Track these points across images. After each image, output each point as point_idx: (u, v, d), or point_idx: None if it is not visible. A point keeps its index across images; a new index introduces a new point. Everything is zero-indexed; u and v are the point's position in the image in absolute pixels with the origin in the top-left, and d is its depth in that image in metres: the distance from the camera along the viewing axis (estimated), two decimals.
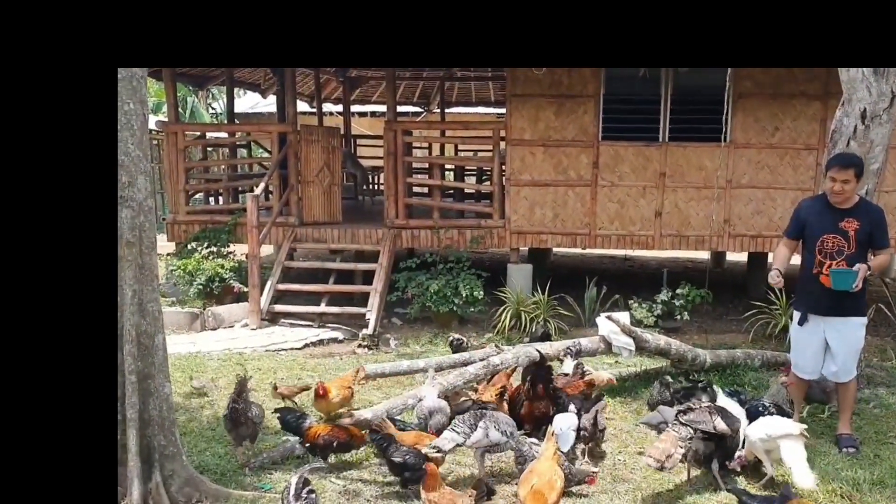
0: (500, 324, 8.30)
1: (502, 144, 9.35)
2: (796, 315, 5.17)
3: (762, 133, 8.81)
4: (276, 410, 4.93)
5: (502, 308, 8.47)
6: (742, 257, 11.10)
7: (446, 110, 17.10)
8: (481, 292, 8.54)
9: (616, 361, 7.02)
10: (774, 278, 4.98)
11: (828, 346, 5.02)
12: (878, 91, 5.78)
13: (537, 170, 9.15)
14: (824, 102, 8.43)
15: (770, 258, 10.00)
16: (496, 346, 6.37)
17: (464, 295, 8.44)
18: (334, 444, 4.53)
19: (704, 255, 12.77)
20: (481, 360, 5.95)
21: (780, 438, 4.20)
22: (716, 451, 4.34)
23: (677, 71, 8.53)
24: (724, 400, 4.76)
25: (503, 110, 17.17)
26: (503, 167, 9.37)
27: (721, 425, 4.31)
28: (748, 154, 8.80)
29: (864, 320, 5.11)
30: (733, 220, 8.99)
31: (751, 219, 9.00)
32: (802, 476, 4.05)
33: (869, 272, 4.82)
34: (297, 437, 4.75)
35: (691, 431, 4.22)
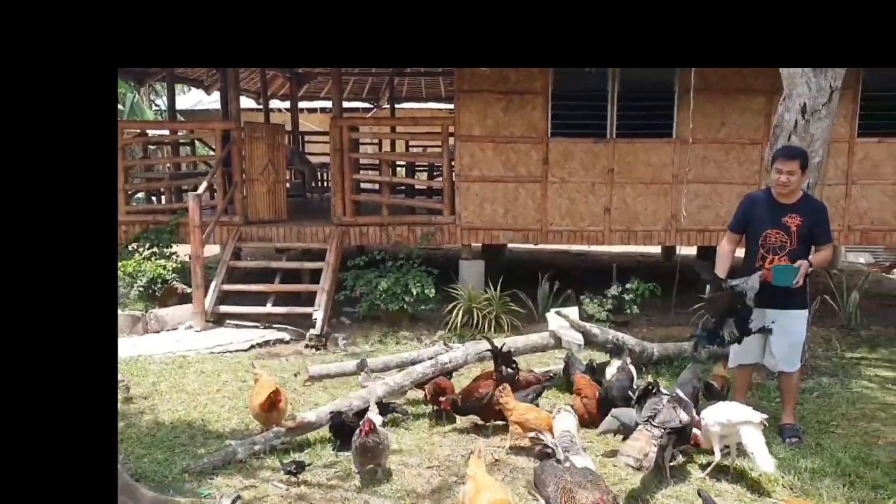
0: (452, 321, 8.29)
1: (451, 140, 9.34)
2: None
3: (709, 128, 8.97)
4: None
5: (454, 305, 8.45)
6: (692, 251, 11.32)
7: (396, 106, 17.03)
8: (432, 290, 8.51)
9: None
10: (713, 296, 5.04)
11: (769, 338, 5.12)
12: (818, 86, 5.94)
13: (487, 166, 9.16)
14: (769, 97, 8.61)
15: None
16: (445, 343, 6.36)
17: (414, 293, 8.39)
18: None
19: (656, 249, 13.00)
20: (430, 358, 5.95)
21: (739, 425, 4.29)
22: (680, 442, 4.48)
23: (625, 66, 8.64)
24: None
25: (453, 106, 17.26)
26: (453, 163, 9.36)
27: (685, 417, 4.41)
28: (695, 149, 8.95)
29: (805, 313, 5.24)
30: (684, 214, 9.13)
31: (698, 213, 9.16)
32: (764, 461, 4.14)
33: (810, 268, 4.92)
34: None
35: (663, 430, 4.29)
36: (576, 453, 4.15)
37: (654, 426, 4.29)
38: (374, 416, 4.69)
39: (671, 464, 4.47)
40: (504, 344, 5.85)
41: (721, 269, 5.12)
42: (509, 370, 5.48)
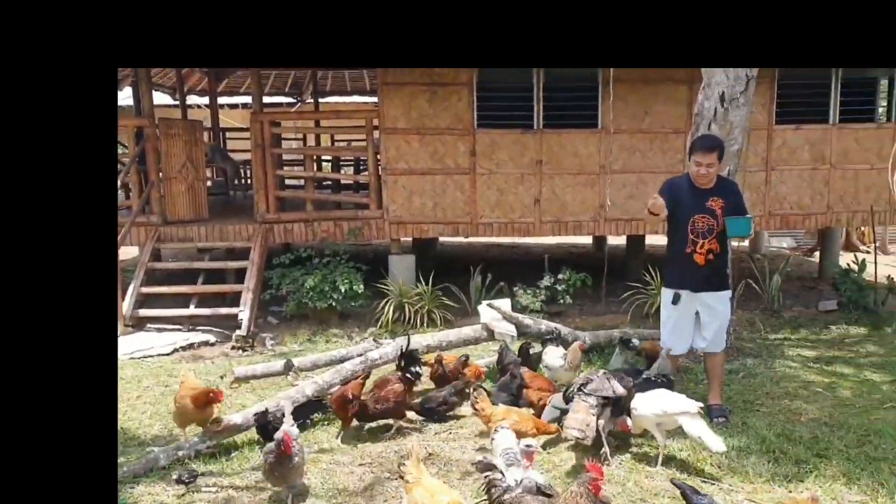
0: (384, 317, 8.27)
1: (376, 133, 9.30)
2: (668, 295, 5.40)
3: (633, 118, 9.20)
4: None
5: (385, 301, 8.43)
6: (621, 241, 11.60)
7: (320, 100, 16.84)
8: (361, 286, 8.47)
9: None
10: (655, 205, 5.10)
11: (698, 321, 5.31)
12: (735, 75, 6.17)
13: (414, 158, 9.16)
14: (691, 87, 8.86)
15: (648, 240, 10.52)
16: (374, 339, 6.34)
17: (343, 289, 8.33)
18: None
19: (587, 240, 13.28)
20: (359, 355, 5.92)
21: (677, 415, 4.41)
22: (616, 413, 4.61)
23: None
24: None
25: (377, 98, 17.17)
26: (379, 157, 9.32)
27: (619, 388, 4.55)
28: (620, 139, 9.16)
29: (729, 294, 5.49)
30: (609, 204, 9.31)
31: (625, 203, 9.37)
32: (713, 443, 4.27)
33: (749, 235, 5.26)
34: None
35: (597, 399, 4.42)
36: (519, 467, 4.05)
37: (587, 395, 4.41)
38: (289, 428, 4.26)
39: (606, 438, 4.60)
40: (408, 342, 5.64)
41: (657, 203, 5.14)
42: (416, 370, 5.32)
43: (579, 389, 4.54)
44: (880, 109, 10.25)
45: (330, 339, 8.05)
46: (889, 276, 9.41)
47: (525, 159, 9.25)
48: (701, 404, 4.51)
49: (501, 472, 3.51)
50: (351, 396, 5.05)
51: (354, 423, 5.13)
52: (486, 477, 3.53)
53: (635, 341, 6.19)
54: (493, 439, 4.07)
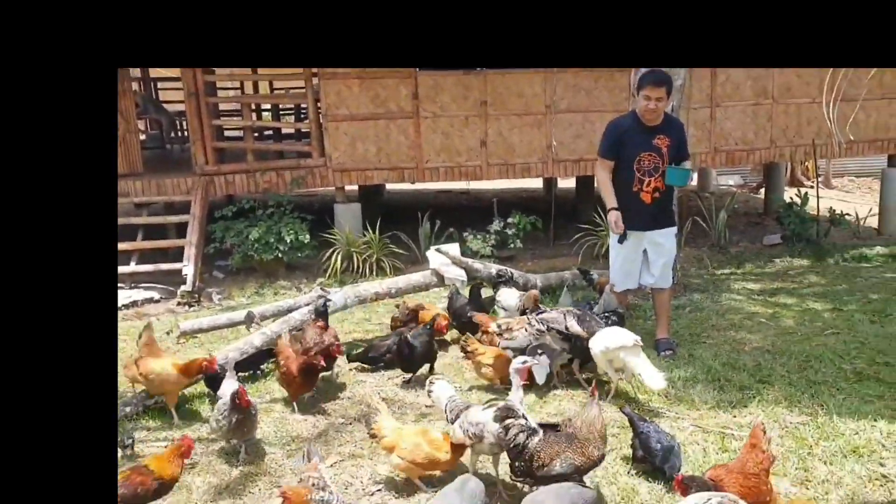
0: (332, 267, 8.26)
1: (315, 79, 9.14)
2: (615, 234, 5.49)
3: None
4: None
5: (332, 251, 8.41)
6: (571, 184, 11.73)
7: None
8: (307, 236, 8.43)
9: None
10: (618, 223, 5.23)
11: (646, 258, 5.45)
12: None
13: (355, 103, 9.04)
14: None
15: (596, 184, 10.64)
16: (322, 288, 6.34)
17: (288, 240, 8.29)
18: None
19: (537, 183, 13.39)
20: (307, 305, 5.91)
21: (618, 350, 4.53)
22: (575, 353, 4.79)
23: None
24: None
25: None
26: (319, 103, 9.17)
27: (575, 327, 4.69)
28: (565, 78, 9.17)
29: (675, 230, 5.63)
30: (556, 144, 9.36)
31: (572, 143, 9.45)
32: (652, 379, 4.38)
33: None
34: None
35: (544, 328, 4.59)
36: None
37: (537, 321, 4.55)
38: (232, 382, 4.23)
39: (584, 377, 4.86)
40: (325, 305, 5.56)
41: (608, 196, 5.31)
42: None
43: (538, 314, 4.71)
44: None
45: (278, 292, 8.03)
46: (831, 208, 9.76)
47: (469, 101, 9.21)
48: (638, 338, 4.58)
49: (524, 416, 3.46)
50: (315, 362, 4.69)
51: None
52: (505, 422, 3.44)
53: (594, 274, 6.31)
54: (430, 392, 3.97)
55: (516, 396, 3.59)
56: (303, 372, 4.61)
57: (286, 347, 4.88)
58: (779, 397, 4.57)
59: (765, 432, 3.10)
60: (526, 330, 4.86)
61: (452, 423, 3.68)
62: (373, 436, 3.81)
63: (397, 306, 6.18)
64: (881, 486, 3.56)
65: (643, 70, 6.16)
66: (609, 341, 4.58)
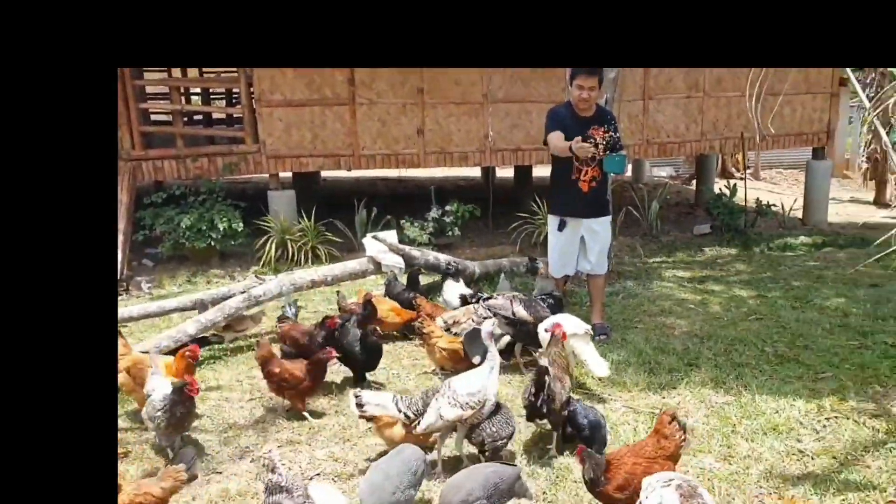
0: (266, 255, 8.25)
1: None
2: (554, 221, 5.70)
3: None
4: None
5: (266, 238, 8.40)
6: (509, 173, 11.95)
7: None
8: (241, 223, 8.39)
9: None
10: (583, 145, 5.17)
11: (583, 245, 5.66)
12: None
13: (289, 89, 9.00)
14: None
15: (535, 172, 10.88)
16: (257, 276, 6.36)
17: (221, 228, 8.23)
18: None
19: (476, 172, 13.57)
20: (242, 292, 5.93)
21: (569, 337, 4.69)
22: (519, 337, 5.02)
23: None
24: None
25: None
26: (252, 88, 9.10)
27: (522, 312, 4.88)
28: (502, 68, 9.32)
29: (610, 219, 5.85)
30: (493, 134, 9.52)
31: (510, 133, 9.62)
32: (597, 367, 4.58)
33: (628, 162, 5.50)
34: None
35: (490, 314, 4.77)
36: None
37: (484, 307, 4.71)
38: (159, 380, 4.06)
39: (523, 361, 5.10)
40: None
41: (562, 144, 5.29)
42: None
43: (484, 300, 4.96)
44: None
45: (211, 280, 7.99)
46: (758, 199, 10.22)
47: (406, 89, 9.27)
48: (589, 327, 4.82)
49: (558, 380, 3.80)
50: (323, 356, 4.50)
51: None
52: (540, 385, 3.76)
53: (539, 263, 6.46)
54: (361, 405, 3.80)
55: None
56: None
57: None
58: (705, 379, 4.83)
59: (675, 419, 3.23)
60: (473, 320, 5.00)
61: (418, 416, 3.69)
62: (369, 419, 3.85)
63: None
64: (797, 460, 3.83)
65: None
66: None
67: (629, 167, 13.29)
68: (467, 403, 3.61)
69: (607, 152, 5.41)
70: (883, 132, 4.08)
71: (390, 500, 3.13)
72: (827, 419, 4.27)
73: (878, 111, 3.91)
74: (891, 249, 3.94)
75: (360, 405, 3.74)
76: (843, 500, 3.42)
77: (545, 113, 5.80)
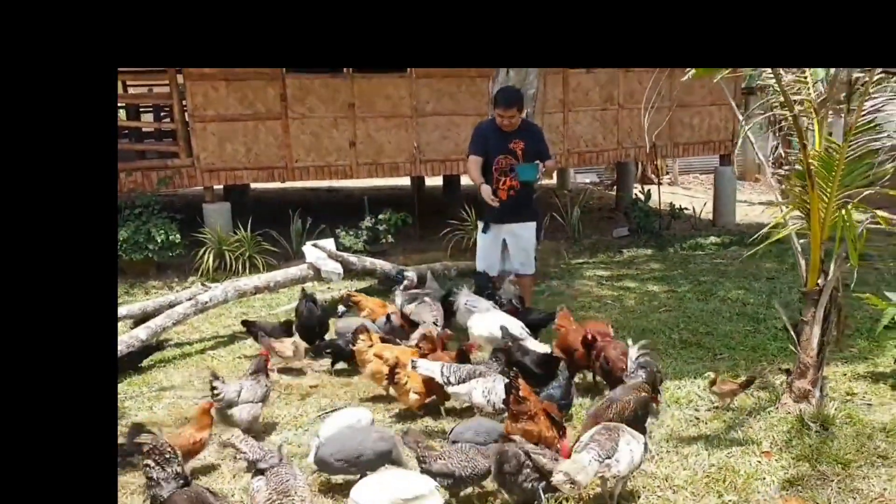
0: (204, 265, 8.63)
1: (180, 78, 9.45)
2: (480, 225, 6.39)
3: None
4: None
5: (203, 249, 8.77)
6: (439, 181, 12.59)
7: None
8: (178, 235, 8.74)
9: (328, 287, 7.82)
10: (489, 194, 6.01)
11: (506, 247, 6.32)
12: None
13: (222, 104, 9.41)
14: None
15: (464, 181, 11.54)
16: (202, 284, 6.78)
17: (159, 240, 8.57)
18: None
19: (405, 181, 14.16)
20: (188, 299, 6.36)
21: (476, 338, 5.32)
22: None
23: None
24: (467, 295, 5.92)
25: None
26: (185, 103, 9.48)
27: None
28: (430, 83, 9.97)
29: (534, 224, 6.51)
30: (422, 146, 10.15)
31: (439, 144, 10.26)
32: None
33: (544, 169, 6.18)
34: None
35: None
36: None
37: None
38: None
39: None
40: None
41: (478, 178, 6.11)
42: None
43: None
44: None
45: (150, 291, 8.30)
46: (671, 203, 11.13)
47: (337, 103, 9.81)
48: (522, 324, 5.39)
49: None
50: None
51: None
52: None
53: (408, 274, 6.94)
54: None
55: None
56: None
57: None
58: None
59: None
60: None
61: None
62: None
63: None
64: (693, 425, 4.53)
65: (498, 85, 7.04)
66: (494, 328, 5.25)
67: (554, 175, 14.08)
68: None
69: (513, 181, 6.05)
70: (751, 141, 4.85)
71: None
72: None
73: (749, 126, 4.68)
74: (760, 246, 4.68)
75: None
76: (728, 453, 4.12)
77: (471, 124, 6.45)
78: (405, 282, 6.51)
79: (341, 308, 6.34)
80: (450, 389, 4.43)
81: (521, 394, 3.81)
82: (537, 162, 6.10)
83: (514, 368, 4.23)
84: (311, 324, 5.92)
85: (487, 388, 4.32)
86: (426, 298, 5.89)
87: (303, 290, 6.32)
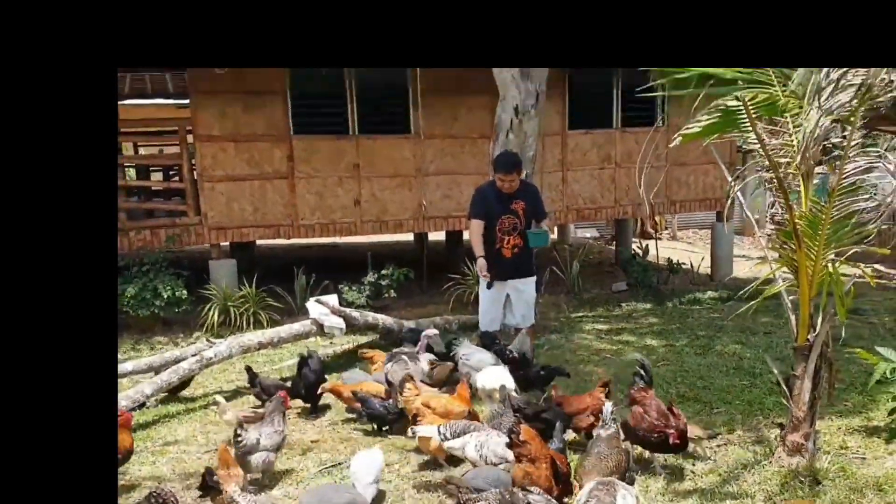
0: (209, 321, 8.72)
1: (190, 138, 9.68)
2: (483, 281, 6.51)
3: (443, 125, 10.27)
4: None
5: (209, 305, 8.88)
6: (441, 237, 12.75)
7: (119, 103, 16.59)
8: (184, 291, 8.86)
9: (331, 342, 7.91)
10: (484, 269, 6.21)
11: (509, 302, 6.46)
12: (526, 90, 7.40)
13: (231, 165, 9.64)
14: (491, 97, 9.97)
15: (465, 236, 11.68)
16: (207, 339, 6.87)
17: (165, 296, 8.69)
18: None
19: (408, 237, 14.34)
20: (193, 355, 6.44)
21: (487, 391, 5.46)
22: None
23: (359, 69, 9.56)
24: (466, 348, 6.06)
25: (183, 101, 17.16)
26: (194, 163, 9.71)
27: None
28: (433, 144, 10.22)
29: (534, 279, 6.69)
30: (426, 203, 10.35)
31: (441, 202, 10.46)
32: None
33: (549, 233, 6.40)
34: None
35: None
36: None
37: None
38: None
39: None
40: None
41: (478, 247, 6.31)
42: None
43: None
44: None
45: (155, 347, 8.37)
46: (669, 258, 11.25)
47: (343, 163, 10.05)
48: (508, 385, 5.41)
49: None
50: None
51: None
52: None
53: (429, 332, 6.76)
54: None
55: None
56: None
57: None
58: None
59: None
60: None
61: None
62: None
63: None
64: (689, 479, 4.56)
65: (497, 152, 7.25)
66: (492, 380, 5.45)
67: (554, 230, 14.25)
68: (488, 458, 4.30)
69: (529, 224, 6.27)
70: (741, 200, 4.99)
71: None
72: (718, 446, 5.04)
73: (740, 186, 4.82)
74: (755, 301, 4.77)
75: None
76: None
77: (473, 183, 6.64)
78: (426, 340, 6.43)
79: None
80: (446, 445, 4.50)
81: (520, 437, 3.93)
82: (545, 229, 6.31)
83: (517, 415, 4.45)
84: (308, 382, 5.90)
85: (480, 441, 4.37)
86: (403, 356, 5.96)
87: (300, 355, 6.24)
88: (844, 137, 4.18)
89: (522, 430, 3.96)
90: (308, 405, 5.93)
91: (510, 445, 3.99)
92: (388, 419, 5.34)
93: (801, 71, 3.83)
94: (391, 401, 5.36)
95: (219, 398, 5.66)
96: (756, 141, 4.11)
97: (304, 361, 5.96)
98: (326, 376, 6.30)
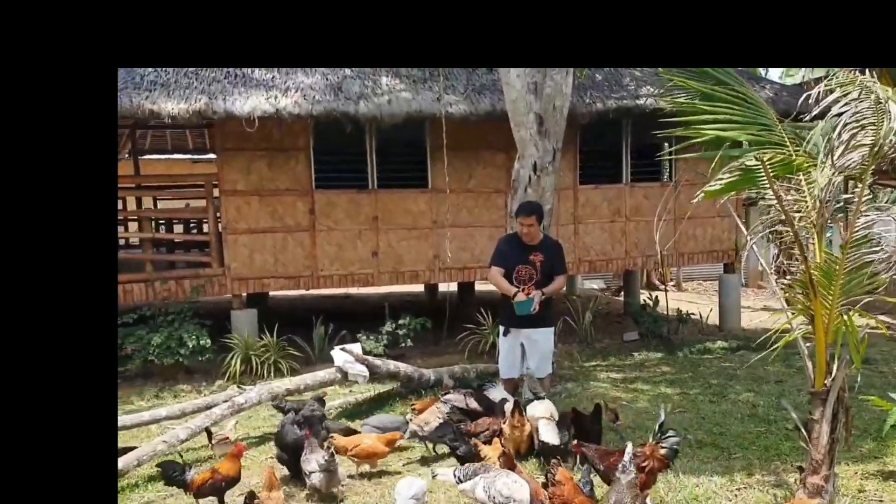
0: (231, 369, 8.85)
1: (215, 192, 9.94)
2: (501, 329, 6.69)
3: (460, 180, 10.52)
4: (158, 465, 5.25)
5: (231, 354, 9.02)
6: (453, 287, 12.93)
7: (140, 158, 16.96)
8: (208, 340, 9.01)
9: (350, 390, 8.03)
10: (520, 295, 6.33)
11: (524, 351, 6.59)
12: (544, 148, 7.67)
13: (254, 218, 9.89)
14: (507, 153, 10.31)
15: (478, 286, 11.86)
16: (238, 385, 6.99)
17: (190, 345, 8.84)
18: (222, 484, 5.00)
19: (419, 287, 14.53)
20: (225, 401, 6.57)
21: (538, 419, 5.70)
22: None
23: (380, 127, 9.85)
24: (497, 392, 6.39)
25: (203, 157, 17.55)
26: (218, 216, 9.95)
27: (473, 404, 5.88)
28: (450, 198, 10.46)
29: (552, 329, 6.83)
30: (442, 255, 10.54)
31: (457, 254, 10.64)
32: (549, 436, 5.55)
33: (544, 296, 6.45)
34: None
35: (449, 407, 5.70)
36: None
37: (442, 402, 5.55)
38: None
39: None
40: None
41: (504, 286, 6.47)
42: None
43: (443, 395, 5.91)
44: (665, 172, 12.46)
45: (178, 395, 8.48)
46: (678, 309, 11.39)
47: (361, 216, 10.29)
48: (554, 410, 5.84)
49: None
50: None
51: None
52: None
53: (448, 382, 7.31)
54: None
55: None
56: None
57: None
58: None
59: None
60: (438, 417, 5.81)
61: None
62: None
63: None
64: None
65: (517, 202, 7.49)
66: (540, 409, 5.80)
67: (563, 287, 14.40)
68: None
69: (531, 289, 6.39)
70: (756, 252, 5.18)
71: None
72: (738, 489, 5.14)
73: (754, 240, 5.02)
74: (768, 350, 4.91)
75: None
76: None
77: (488, 236, 6.84)
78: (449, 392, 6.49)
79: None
80: (459, 487, 4.62)
81: (556, 478, 4.07)
82: (533, 297, 6.33)
83: (557, 457, 4.67)
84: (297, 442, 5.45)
85: (487, 483, 4.47)
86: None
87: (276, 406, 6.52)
88: (852, 193, 4.39)
89: (559, 472, 4.08)
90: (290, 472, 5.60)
91: (545, 486, 4.11)
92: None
93: (815, 131, 4.05)
94: None
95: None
96: (773, 197, 4.31)
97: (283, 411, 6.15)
98: (349, 423, 6.43)
